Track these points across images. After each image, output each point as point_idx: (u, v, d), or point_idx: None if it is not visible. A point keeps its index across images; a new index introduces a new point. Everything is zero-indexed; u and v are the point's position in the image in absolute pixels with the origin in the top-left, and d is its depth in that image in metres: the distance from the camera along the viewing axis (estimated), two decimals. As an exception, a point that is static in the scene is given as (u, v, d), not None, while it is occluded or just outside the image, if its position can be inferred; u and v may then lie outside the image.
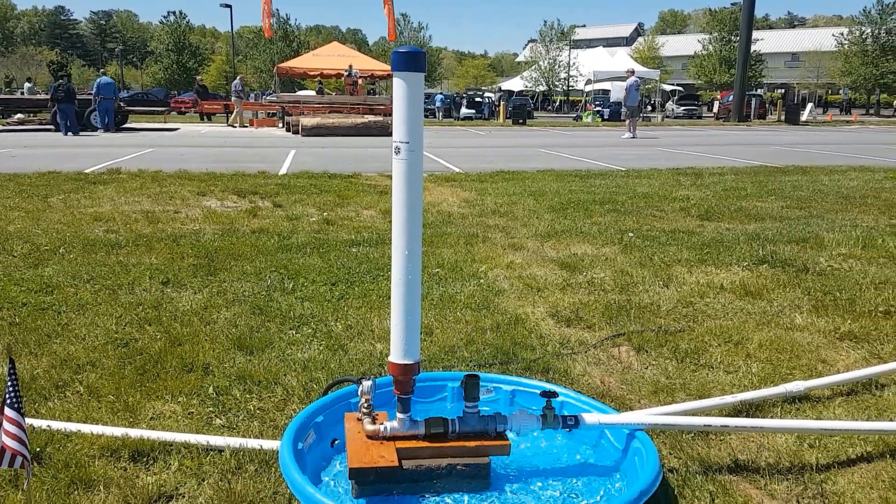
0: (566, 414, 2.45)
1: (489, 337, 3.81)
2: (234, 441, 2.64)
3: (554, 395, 2.45)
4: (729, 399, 2.89)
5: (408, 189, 2.31)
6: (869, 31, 57.79)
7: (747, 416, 2.90)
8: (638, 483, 2.13)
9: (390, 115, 20.18)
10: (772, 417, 2.89)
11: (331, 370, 3.34)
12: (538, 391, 2.86)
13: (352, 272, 5.06)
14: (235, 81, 27.41)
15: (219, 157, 14.13)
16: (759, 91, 55.07)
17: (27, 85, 38.54)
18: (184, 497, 2.37)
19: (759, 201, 8.34)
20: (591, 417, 2.46)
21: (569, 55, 58.82)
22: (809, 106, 43.22)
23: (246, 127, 26.63)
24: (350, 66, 27.66)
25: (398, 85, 2.27)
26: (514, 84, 64.52)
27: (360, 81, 28.70)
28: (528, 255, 5.68)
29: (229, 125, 26.64)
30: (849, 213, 7.48)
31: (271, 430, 2.82)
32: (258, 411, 2.97)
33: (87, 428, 2.73)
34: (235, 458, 2.56)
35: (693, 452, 2.60)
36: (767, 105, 43.98)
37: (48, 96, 22.70)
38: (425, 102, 42.70)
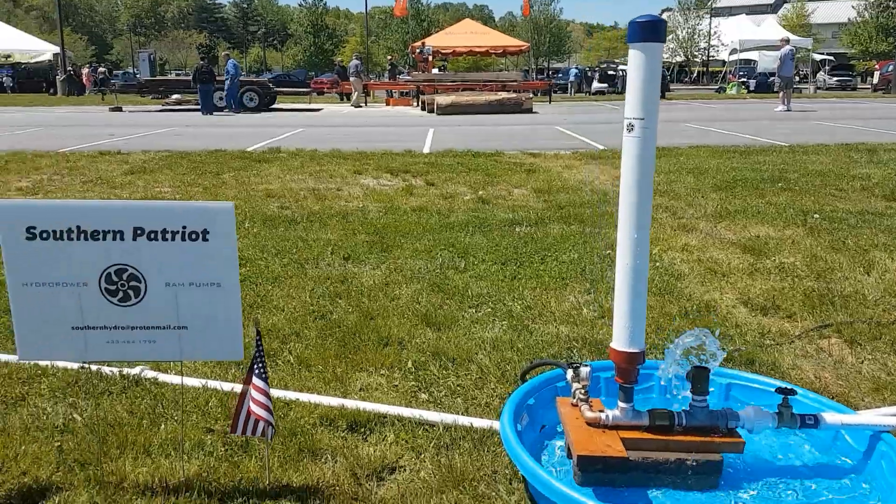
0: (804, 413, 2.27)
1: (679, 324, 3.64)
2: (448, 417, 2.66)
3: (792, 392, 2.28)
4: (980, 403, 2.59)
5: (640, 170, 2.20)
6: None
7: None
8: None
9: (523, 91, 20.02)
10: None
11: (519, 351, 3.31)
12: (754, 385, 2.70)
13: (518, 252, 5.01)
14: (354, 62, 27.75)
15: (363, 137, 14.51)
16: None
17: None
18: (405, 470, 2.41)
19: (954, 180, 7.51)
20: (831, 417, 2.27)
21: (709, 24, 55.67)
22: None
23: (360, 107, 27.05)
24: (422, 43, 27.72)
25: (635, 57, 2.15)
26: (650, 56, 61.68)
27: (430, 58, 28.84)
28: (701, 237, 5.40)
29: (352, 105, 27.19)
30: None
31: (474, 407, 2.82)
32: (458, 388, 2.98)
33: (304, 397, 2.84)
34: (448, 434, 2.58)
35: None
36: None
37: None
38: (561, 77, 42.13)
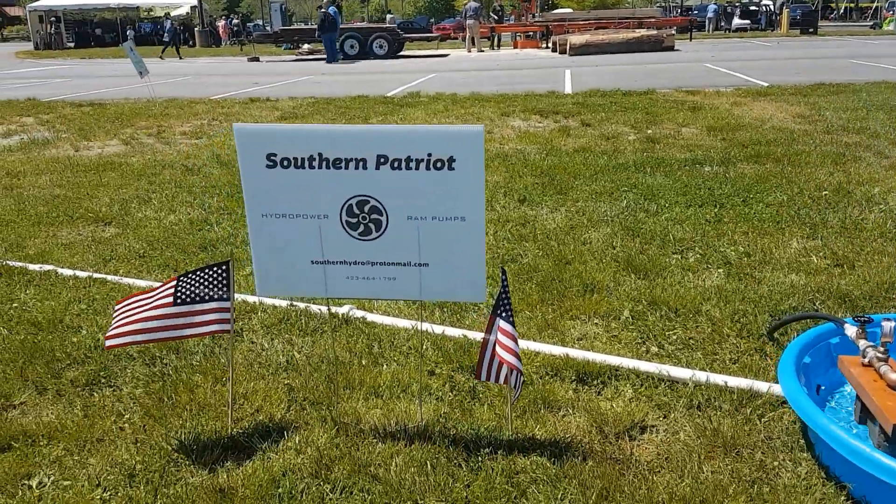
0: None
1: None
2: (700, 375, 2.36)
3: None
4: None
5: None
6: None
7: None
8: None
9: (662, 27, 18.84)
10: None
11: (753, 303, 2.93)
12: None
13: (714, 193, 4.55)
14: (472, 4, 26.69)
15: (498, 80, 14.08)
16: None
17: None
18: (658, 430, 2.14)
19: None
20: None
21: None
22: None
23: (482, 51, 26.24)
24: None
25: None
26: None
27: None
28: (924, 176, 4.72)
29: (476, 51, 26.45)
30: None
31: (718, 364, 2.50)
32: (692, 342, 2.66)
33: (523, 344, 2.62)
34: (700, 393, 2.28)
35: None
36: None
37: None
38: (697, 14, 39.46)
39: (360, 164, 1.95)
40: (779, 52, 19.22)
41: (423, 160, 1.94)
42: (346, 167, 1.95)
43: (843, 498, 1.78)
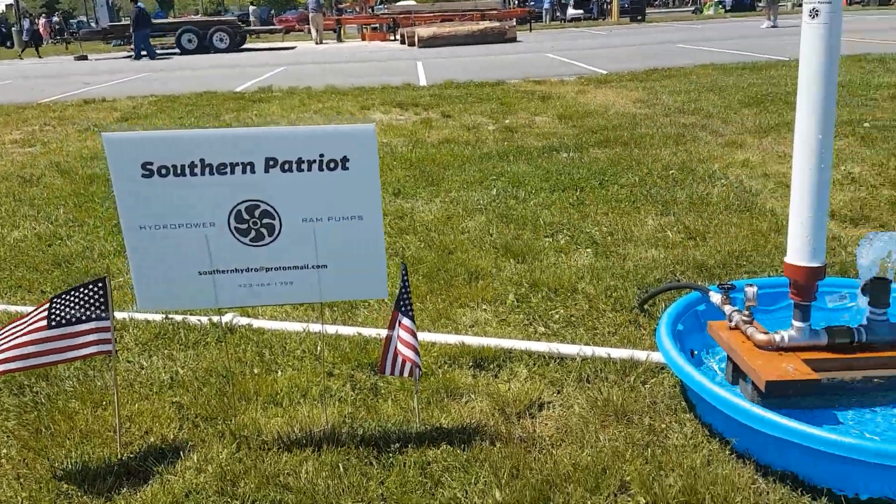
0: None
1: (775, 240, 3.48)
2: (586, 349, 2.49)
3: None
4: None
5: (827, 62, 1.97)
6: None
7: None
8: None
9: (504, 19, 19.43)
10: None
11: (622, 277, 3.13)
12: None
13: (574, 178, 4.79)
14: None
15: (351, 73, 13.97)
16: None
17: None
18: (555, 406, 2.24)
19: (981, 84, 7.39)
20: None
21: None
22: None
23: (324, 43, 25.89)
24: None
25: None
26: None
27: None
28: (756, 152, 5.22)
29: (315, 43, 26.01)
30: None
31: (599, 338, 2.65)
32: (573, 319, 2.80)
33: (419, 335, 2.64)
34: (587, 367, 2.41)
35: None
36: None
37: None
38: (534, 5, 41.01)
39: (248, 167, 1.88)
40: (612, 39, 20.46)
41: (315, 161, 1.90)
42: (233, 172, 1.88)
43: (727, 452, 1.96)
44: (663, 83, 9.36)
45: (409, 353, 2.04)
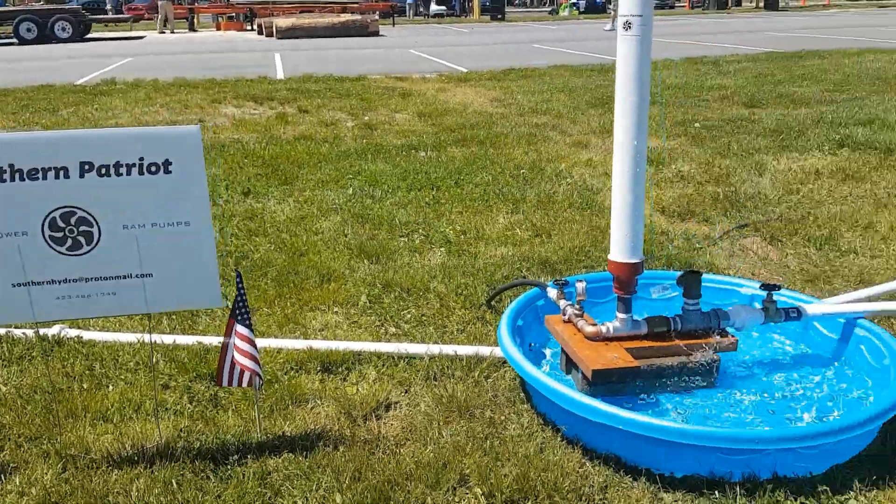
0: (787, 306, 2.38)
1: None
2: (433, 348, 2.53)
3: (776, 287, 2.37)
4: (906, 282, 2.85)
5: (640, 72, 2.11)
6: None
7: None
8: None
9: (368, 13, 19.31)
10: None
11: (473, 275, 3.21)
12: (716, 285, 2.79)
13: (430, 177, 4.85)
14: None
15: (205, 64, 13.41)
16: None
17: None
18: (401, 405, 2.27)
19: (795, 87, 8.20)
20: (813, 308, 2.39)
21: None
22: (784, -9, 42.39)
23: (174, 32, 24.79)
24: None
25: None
26: (481, -22, 61.97)
27: None
28: (600, 151, 5.52)
29: (159, 32, 24.75)
30: (893, 93, 7.40)
31: (448, 335, 2.71)
32: (424, 318, 2.85)
33: (263, 342, 2.59)
34: (435, 365, 2.46)
35: None
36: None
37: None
38: (396, 1, 40.90)
39: (62, 172, 1.76)
40: (474, 37, 20.91)
41: (134, 165, 1.81)
42: (45, 177, 1.76)
43: (559, 439, 2.06)
44: (519, 83, 9.68)
45: (247, 362, 2.00)
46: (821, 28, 19.98)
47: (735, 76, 9.31)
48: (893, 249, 3.37)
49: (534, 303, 2.63)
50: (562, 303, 2.44)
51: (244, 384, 2.04)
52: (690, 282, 2.31)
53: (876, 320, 2.64)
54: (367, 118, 7.16)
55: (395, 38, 20.42)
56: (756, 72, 9.65)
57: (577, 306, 2.36)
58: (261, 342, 2.62)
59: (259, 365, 2.02)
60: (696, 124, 6.18)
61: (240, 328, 1.98)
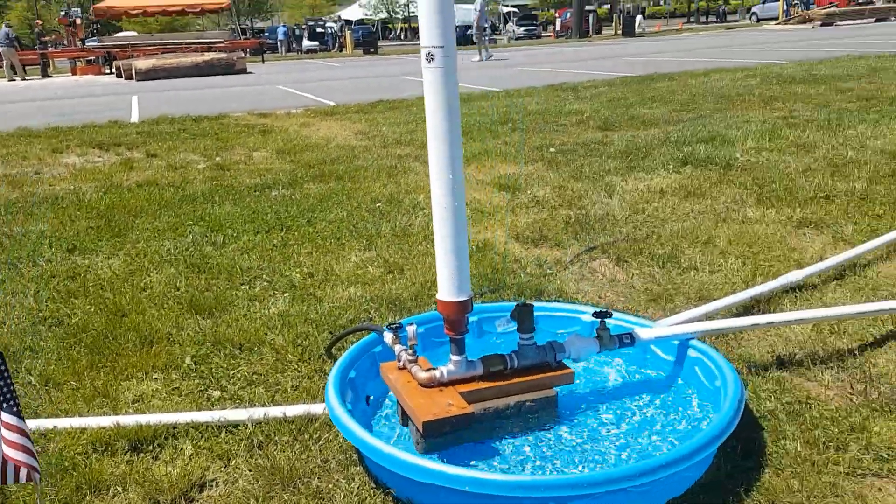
0: (620, 333, 2.32)
1: (466, 266, 3.60)
2: (256, 412, 2.29)
3: (608, 314, 2.30)
4: (741, 295, 2.89)
5: (448, 104, 2.00)
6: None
7: (760, 311, 2.92)
8: (730, 392, 2.03)
9: (233, 51, 18.94)
10: (790, 310, 2.91)
11: (314, 323, 3.00)
12: (556, 314, 2.72)
13: (281, 217, 4.61)
14: (2, 30, 23.48)
15: (55, 111, 12.55)
16: (591, 7, 56.74)
17: None
18: (218, 483, 2.02)
19: (645, 108, 8.56)
20: (645, 332, 2.34)
21: (406, -20, 57.51)
22: (638, 18, 45.14)
23: (25, 80, 23.38)
24: (68, 5, 25.33)
25: (425, -24, 1.92)
26: (353, 13, 62.54)
27: (78, 21, 26.60)
28: (458, 179, 5.45)
29: (9, 80, 23.22)
30: (734, 110, 7.84)
31: (281, 394, 2.48)
32: (256, 377, 2.61)
33: (64, 422, 2.27)
34: (260, 431, 2.22)
35: (734, 354, 2.58)
36: (601, 21, 45.42)
37: None
38: (268, 36, 40.55)
39: None
40: (345, 71, 20.82)
41: None
42: None
43: (391, 502, 1.88)
44: (386, 115, 9.61)
45: (20, 456, 1.69)
46: (673, 51, 21.28)
47: (591, 101, 9.63)
48: (730, 264, 3.44)
49: (371, 349, 2.46)
50: (397, 348, 2.27)
51: (22, 479, 1.73)
52: (523, 315, 2.20)
53: (713, 338, 2.65)
54: (220, 159, 6.82)
55: (263, 75, 20.00)
56: (611, 96, 10.04)
57: (411, 351, 2.20)
58: (62, 422, 2.30)
59: (35, 457, 1.72)
60: (552, 149, 6.26)
61: (7, 417, 1.68)
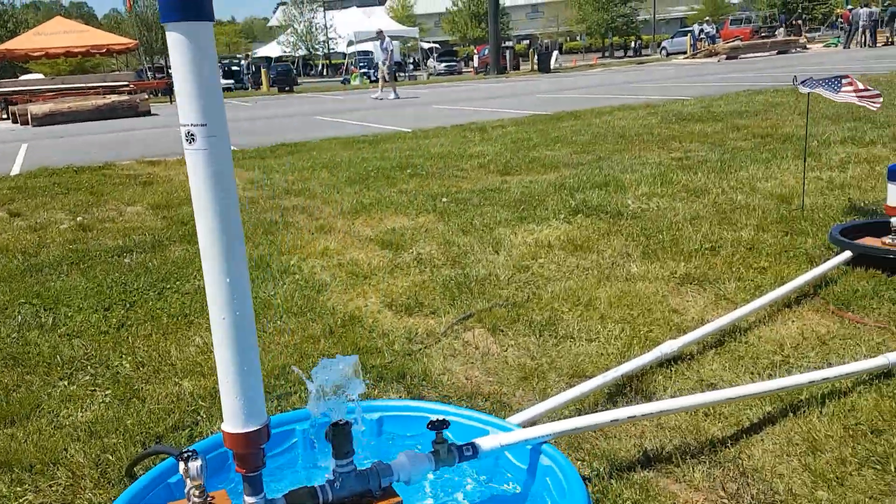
0: (461, 444, 1.97)
1: (324, 346, 3.22)
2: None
3: (445, 424, 1.96)
4: (611, 375, 2.61)
5: (216, 191, 1.61)
6: (597, -24, 63.54)
7: (633, 389, 2.64)
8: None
9: (137, 92, 18.17)
10: (664, 387, 2.64)
11: (127, 431, 2.56)
12: (407, 413, 2.37)
13: (128, 289, 4.13)
14: None
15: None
16: (509, 43, 57.95)
17: None
18: None
19: (547, 150, 8.43)
20: (488, 441, 2.01)
21: (324, 17, 57.48)
22: (555, 54, 46.27)
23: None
24: None
25: (176, 42, 1.54)
26: (272, 50, 62.08)
27: None
28: (341, 236, 5.09)
29: None
30: (632, 151, 7.78)
31: (59, 539, 2.03)
32: (35, 514, 2.14)
33: None
34: None
35: (598, 450, 2.27)
36: (519, 57, 46.34)
37: None
38: (179, 76, 39.60)
39: None
40: (255, 111, 20.29)
41: None
42: None
43: None
44: (283, 160, 9.20)
45: None
46: (584, 87, 21.68)
47: (496, 142, 9.48)
48: (608, 330, 3.18)
49: (167, 479, 2.04)
50: (188, 482, 1.86)
51: None
52: (339, 437, 1.83)
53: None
54: (86, 217, 6.25)
55: (167, 118, 19.26)
56: (516, 136, 9.92)
57: (199, 489, 1.80)
58: None
59: None
60: (444, 199, 5.98)
61: None
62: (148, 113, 19.90)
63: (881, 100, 4.09)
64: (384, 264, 4.34)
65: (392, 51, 21.58)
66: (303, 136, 11.88)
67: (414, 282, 4.00)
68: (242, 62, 43.20)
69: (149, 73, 34.27)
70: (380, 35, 22.56)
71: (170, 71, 38.23)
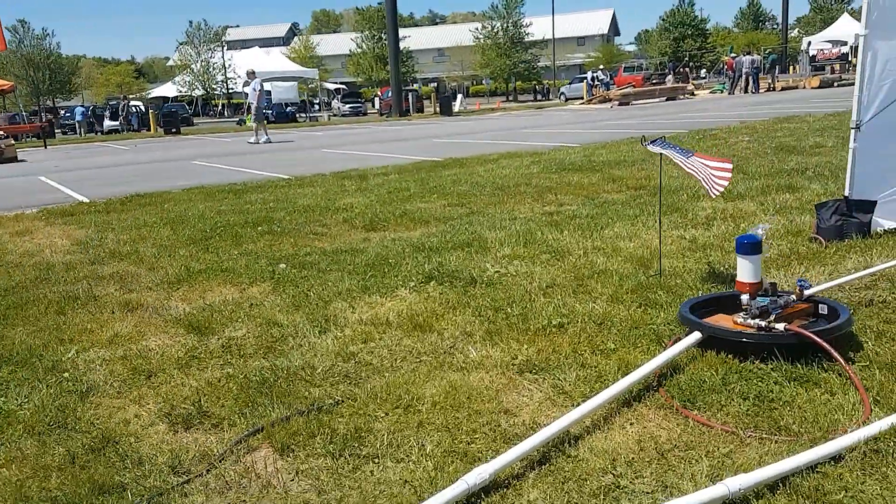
0: None
1: (55, 482, 2.48)
2: None
3: None
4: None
5: None
6: (499, 24, 65.24)
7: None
8: None
9: (4, 137, 16.55)
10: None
11: None
12: None
13: None
14: None
15: None
16: (415, 86, 58.25)
17: None
18: None
19: (422, 202, 7.92)
20: None
21: (223, 56, 56.15)
22: (459, 97, 46.72)
23: None
24: None
25: None
26: (168, 90, 60.12)
27: None
28: (145, 315, 4.33)
29: None
30: (506, 204, 7.36)
31: None
32: None
33: None
34: None
35: None
36: (423, 99, 46.51)
37: None
38: (66, 118, 37.46)
39: None
40: (130, 156, 19.07)
41: None
42: None
43: None
44: (129, 214, 8.32)
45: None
46: (481, 132, 21.59)
47: (371, 192, 8.91)
48: (423, 443, 2.59)
49: None
50: None
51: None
52: None
53: None
54: None
55: (34, 164, 17.79)
56: (394, 186, 9.39)
57: None
58: None
59: None
60: (283, 265, 5.30)
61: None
62: (14, 159, 18.33)
63: (726, 183, 3.76)
64: (181, 355, 3.61)
65: (260, 91, 20.73)
66: (169, 185, 10.97)
67: (208, 380, 3.30)
68: (137, 103, 41.54)
69: (24, 116, 31.97)
70: (251, 76, 21.84)
71: (53, 113, 35.91)
